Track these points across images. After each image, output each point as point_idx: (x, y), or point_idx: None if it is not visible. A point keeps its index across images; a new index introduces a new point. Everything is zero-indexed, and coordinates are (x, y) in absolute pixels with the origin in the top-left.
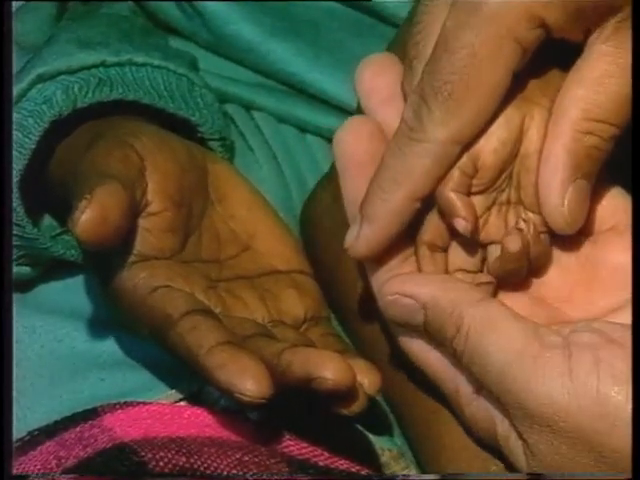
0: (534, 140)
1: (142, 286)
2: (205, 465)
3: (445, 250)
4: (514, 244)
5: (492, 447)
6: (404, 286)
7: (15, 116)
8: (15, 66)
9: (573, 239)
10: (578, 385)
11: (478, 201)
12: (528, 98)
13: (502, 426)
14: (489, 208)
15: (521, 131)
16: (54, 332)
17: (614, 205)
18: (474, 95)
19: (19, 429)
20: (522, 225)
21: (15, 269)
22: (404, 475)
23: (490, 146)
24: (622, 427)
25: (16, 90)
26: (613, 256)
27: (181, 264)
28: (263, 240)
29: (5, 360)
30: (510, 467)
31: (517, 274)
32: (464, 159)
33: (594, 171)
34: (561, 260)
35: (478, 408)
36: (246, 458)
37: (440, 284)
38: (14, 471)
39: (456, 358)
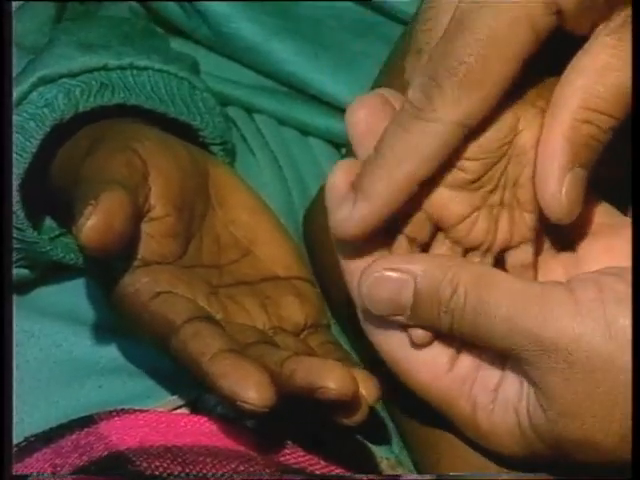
0: (530, 139)
1: (144, 291)
2: (201, 475)
3: (422, 247)
4: None
5: (509, 457)
6: (390, 261)
7: (16, 119)
8: (14, 66)
9: (558, 256)
10: (585, 313)
11: (464, 199)
12: (524, 98)
13: (521, 404)
14: (478, 208)
15: (514, 132)
16: (53, 336)
17: (591, 214)
18: (489, 76)
19: (16, 433)
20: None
21: (13, 271)
22: (404, 475)
23: (475, 140)
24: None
25: (17, 92)
26: (596, 261)
27: (183, 269)
28: (263, 246)
29: (5, 362)
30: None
31: None
32: None
33: (591, 161)
34: (549, 277)
35: (498, 410)
36: (242, 468)
37: (428, 256)
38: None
39: (452, 325)
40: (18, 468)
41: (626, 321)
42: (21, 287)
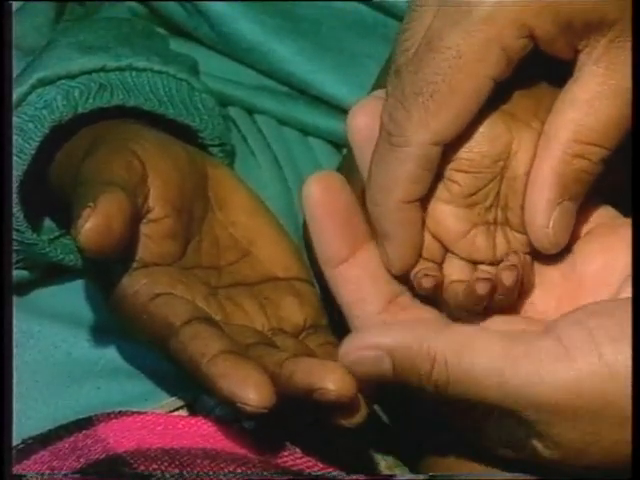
0: (523, 163)
1: (143, 293)
2: (198, 478)
3: (439, 264)
4: (508, 279)
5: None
6: (363, 340)
7: (15, 120)
8: (14, 68)
9: (554, 256)
10: (580, 359)
11: (461, 215)
12: (519, 118)
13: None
14: (475, 225)
15: (507, 151)
16: (51, 338)
17: (587, 213)
18: (456, 97)
19: (14, 434)
20: (514, 260)
21: (13, 273)
22: (398, 475)
23: (467, 155)
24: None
25: (16, 94)
26: (592, 259)
27: (182, 271)
28: (263, 247)
29: (5, 364)
30: None
31: (508, 302)
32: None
33: (582, 193)
34: (545, 277)
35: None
36: (239, 470)
37: (399, 327)
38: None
39: (439, 393)
40: (16, 471)
41: (625, 356)
42: (20, 288)
